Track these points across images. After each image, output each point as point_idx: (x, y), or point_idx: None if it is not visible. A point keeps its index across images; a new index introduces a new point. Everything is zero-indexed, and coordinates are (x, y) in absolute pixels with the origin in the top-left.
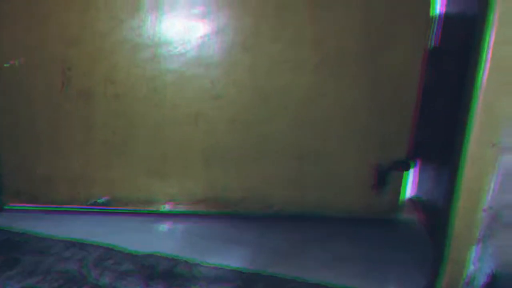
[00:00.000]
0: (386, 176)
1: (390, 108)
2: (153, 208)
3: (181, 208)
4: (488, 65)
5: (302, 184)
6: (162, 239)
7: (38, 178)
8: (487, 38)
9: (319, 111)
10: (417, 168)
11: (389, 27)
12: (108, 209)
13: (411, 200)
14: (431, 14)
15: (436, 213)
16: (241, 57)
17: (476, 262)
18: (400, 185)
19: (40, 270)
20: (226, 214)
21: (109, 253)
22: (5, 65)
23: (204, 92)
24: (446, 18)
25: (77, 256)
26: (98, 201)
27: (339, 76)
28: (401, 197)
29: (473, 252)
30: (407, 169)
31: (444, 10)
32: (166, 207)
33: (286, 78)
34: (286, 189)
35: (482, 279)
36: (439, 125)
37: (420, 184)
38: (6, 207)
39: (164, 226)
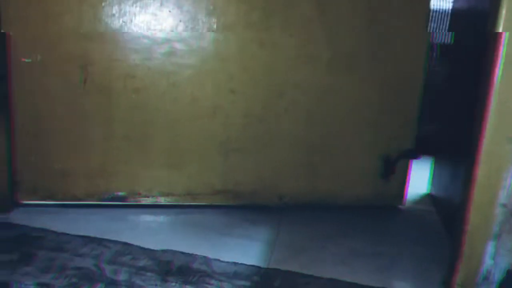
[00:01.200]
0: (393, 166)
1: (397, 102)
2: (172, 201)
3: (199, 200)
4: (503, 60)
5: (314, 175)
6: (179, 232)
7: (56, 174)
8: (504, 34)
9: (331, 105)
10: (434, 164)
11: (393, 26)
12: (126, 203)
13: (429, 195)
14: (430, 10)
15: (453, 209)
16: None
17: (493, 257)
18: (406, 175)
19: (56, 266)
20: (242, 205)
21: (126, 248)
22: (26, 60)
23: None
24: (458, 13)
25: (93, 252)
26: (118, 194)
27: (349, 73)
28: (406, 186)
29: (490, 247)
30: (414, 158)
31: (455, 5)
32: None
33: (307, 71)
34: (298, 180)
35: (499, 274)
36: (453, 120)
37: (437, 179)
38: (23, 203)
39: (182, 217)
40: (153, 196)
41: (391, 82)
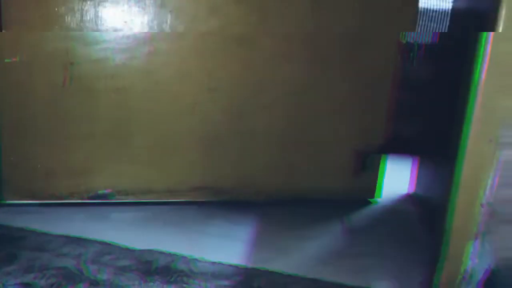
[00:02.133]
0: (366, 161)
1: (370, 101)
2: (153, 197)
3: (179, 197)
4: (486, 60)
5: (291, 171)
6: (161, 231)
7: (39, 173)
8: (485, 34)
9: (309, 102)
10: (415, 164)
11: (368, 26)
12: (108, 201)
13: (410, 195)
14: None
15: (434, 209)
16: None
17: (475, 257)
18: (378, 170)
19: (38, 266)
20: (221, 201)
21: (107, 248)
22: (6, 60)
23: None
24: (445, 14)
25: (75, 251)
26: (99, 193)
27: (324, 70)
28: (379, 180)
29: (471, 248)
30: (384, 154)
31: (442, 6)
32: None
33: (286, 70)
34: (277, 175)
35: (480, 275)
36: (434, 120)
37: (418, 180)
38: (5, 202)
39: (164, 216)
40: (134, 194)
41: (365, 80)
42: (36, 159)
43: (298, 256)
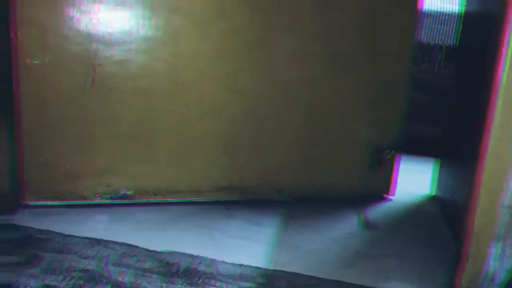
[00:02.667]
0: (382, 158)
1: (385, 100)
2: (178, 197)
3: (202, 197)
4: (508, 62)
5: (312, 169)
6: (185, 232)
7: (63, 174)
8: (507, 36)
9: (327, 102)
10: (438, 165)
11: (384, 29)
12: (132, 201)
13: (433, 197)
14: (417, 10)
15: (458, 210)
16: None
17: (497, 259)
18: (393, 167)
19: (61, 268)
20: (245, 200)
21: (132, 250)
22: (34, 62)
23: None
24: (465, 16)
25: (99, 254)
26: (123, 193)
27: (344, 70)
28: (393, 177)
29: (494, 249)
30: (400, 152)
31: (463, 8)
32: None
33: (306, 70)
34: (298, 174)
35: (503, 276)
36: (456, 122)
37: (442, 181)
38: (30, 204)
39: (188, 217)
40: (159, 194)
41: (382, 80)
42: (61, 160)
43: (320, 257)
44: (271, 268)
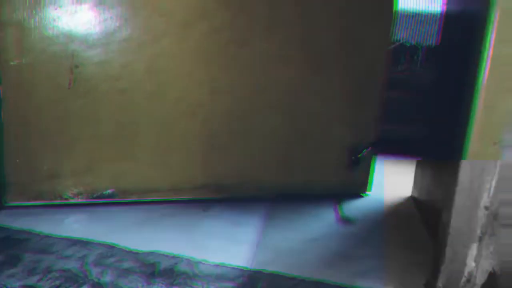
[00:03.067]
0: (359, 157)
1: (361, 102)
2: (157, 196)
3: (181, 195)
4: (489, 63)
5: (290, 168)
6: (165, 232)
7: (44, 174)
8: (488, 37)
9: (305, 103)
10: (417, 166)
11: (358, 32)
12: (113, 200)
13: (412, 197)
14: (392, 12)
15: (436, 212)
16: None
17: (476, 260)
18: (369, 166)
19: (41, 268)
20: (224, 198)
21: (111, 250)
22: (11, 63)
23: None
24: (447, 16)
25: (78, 254)
26: (104, 193)
27: (320, 72)
28: (370, 176)
29: (473, 250)
30: (375, 151)
31: (444, 8)
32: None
33: (284, 72)
34: (276, 173)
35: (481, 277)
36: (436, 121)
37: (419, 182)
38: (9, 205)
39: (167, 217)
40: (138, 193)
41: (358, 81)
42: (41, 160)
43: (300, 257)
44: (252, 269)
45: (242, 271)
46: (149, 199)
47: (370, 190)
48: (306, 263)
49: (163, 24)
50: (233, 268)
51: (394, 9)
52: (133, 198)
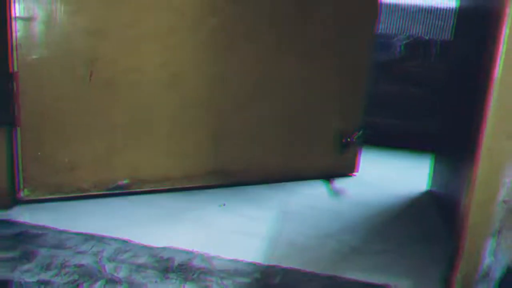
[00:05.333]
0: (349, 142)
1: (350, 90)
2: (170, 184)
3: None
4: (504, 57)
5: (287, 154)
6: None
7: (62, 167)
8: (504, 31)
9: (301, 91)
10: (434, 161)
11: (348, 25)
12: (129, 191)
13: (427, 192)
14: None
15: (453, 206)
16: None
17: (493, 254)
18: (357, 149)
19: (56, 263)
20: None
21: (126, 245)
22: (30, 57)
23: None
24: (461, 11)
25: (94, 249)
26: (124, 183)
27: (313, 63)
28: (358, 157)
29: (489, 245)
30: (363, 133)
31: (458, 3)
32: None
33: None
34: (277, 158)
35: (499, 271)
36: (453, 116)
37: (437, 176)
38: (27, 199)
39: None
40: (153, 182)
41: (347, 73)
42: (58, 153)
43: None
44: (267, 264)
45: (257, 266)
46: (163, 187)
47: (358, 170)
48: (321, 258)
49: (175, 20)
50: (249, 263)
51: (377, 3)
52: (148, 188)
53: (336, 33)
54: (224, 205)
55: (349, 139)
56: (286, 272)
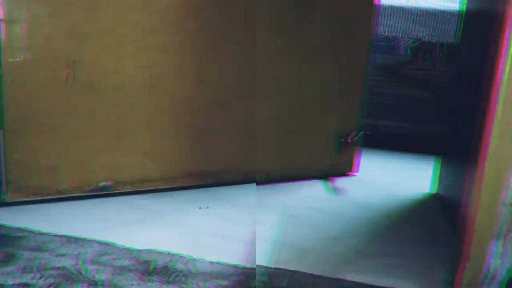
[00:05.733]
0: (347, 142)
1: (348, 92)
2: (149, 186)
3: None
4: (509, 60)
5: (289, 153)
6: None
7: (43, 170)
8: (509, 34)
9: (296, 91)
10: (439, 163)
11: (347, 27)
12: (108, 192)
13: (434, 195)
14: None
15: (458, 209)
16: None
17: (497, 257)
18: (355, 148)
19: (36, 266)
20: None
21: (107, 248)
22: (10, 60)
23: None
24: (467, 14)
25: (74, 251)
26: (103, 185)
27: (314, 64)
28: (355, 157)
29: (495, 247)
30: (360, 135)
31: (463, 6)
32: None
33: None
34: (276, 157)
35: (504, 274)
36: (458, 119)
37: (442, 179)
38: (8, 201)
39: (160, 207)
40: (132, 183)
41: (345, 76)
42: (40, 156)
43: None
44: (249, 266)
45: (239, 268)
46: (143, 189)
47: (357, 170)
48: (327, 261)
49: (154, 22)
50: (230, 265)
51: (374, 6)
52: (128, 189)
53: (334, 34)
54: (206, 207)
55: (348, 139)
56: (270, 272)
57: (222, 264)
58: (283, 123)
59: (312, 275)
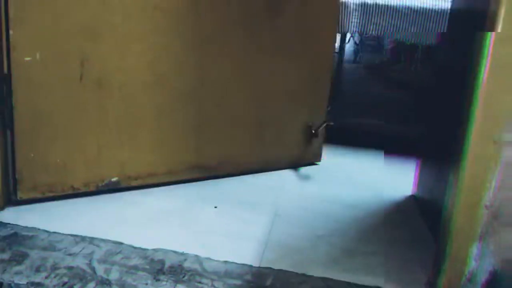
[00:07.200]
0: (316, 133)
1: (315, 88)
2: (157, 180)
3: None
4: (489, 61)
5: (260, 147)
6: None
7: (54, 167)
8: (488, 35)
9: (270, 85)
10: (418, 165)
11: (316, 22)
12: (119, 187)
13: (413, 196)
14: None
15: (437, 210)
16: None
17: (477, 259)
18: (323, 139)
19: (47, 265)
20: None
21: (118, 247)
22: (24, 59)
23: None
24: (448, 14)
25: (85, 251)
26: (113, 180)
27: (284, 57)
28: (322, 148)
29: (474, 249)
30: (329, 126)
31: (445, 6)
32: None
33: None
34: (251, 151)
35: (483, 276)
36: (438, 121)
37: (421, 181)
38: (20, 200)
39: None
40: (142, 178)
41: (312, 72)
42: (52, 153)
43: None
44: (259, 266)
45: (250, 268)
46: (149, 182)
47: (321, 159)
48: (314, 260)
49: (161, 20)
50: (241, 264)
51: (338, 4)
52: (134, 184)
53: (302, 30)
54: (216, 207)
55: (315, 131)
56: (279, 273)
57: (233, 263)
58: (258, 118)
59: (299, 274)
